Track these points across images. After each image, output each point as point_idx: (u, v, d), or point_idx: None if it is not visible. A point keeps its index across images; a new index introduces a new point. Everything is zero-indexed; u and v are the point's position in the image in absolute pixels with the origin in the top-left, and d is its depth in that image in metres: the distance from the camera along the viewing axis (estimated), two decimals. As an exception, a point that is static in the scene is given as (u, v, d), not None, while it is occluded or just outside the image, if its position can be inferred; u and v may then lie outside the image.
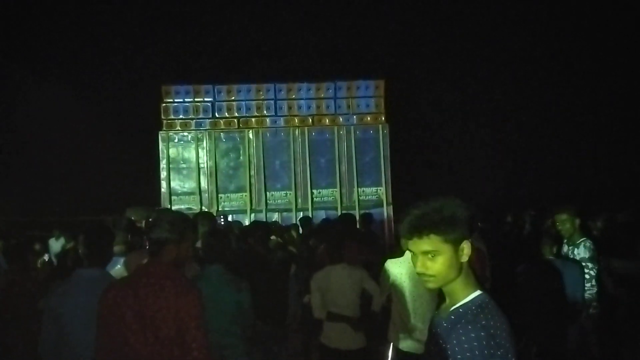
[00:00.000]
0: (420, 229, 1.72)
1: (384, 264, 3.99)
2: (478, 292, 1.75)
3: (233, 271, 3.54)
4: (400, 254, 4.06)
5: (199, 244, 4.17)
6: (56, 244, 9.83)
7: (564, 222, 4.70)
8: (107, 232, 3.32)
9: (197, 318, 2.38)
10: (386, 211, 11.73)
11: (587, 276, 4.47)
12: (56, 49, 14.18)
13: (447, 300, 1.83)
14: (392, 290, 3.90)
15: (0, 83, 14.17)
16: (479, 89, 13.44)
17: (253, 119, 12.02)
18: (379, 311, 4.21)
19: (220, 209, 11.80)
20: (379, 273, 4.17)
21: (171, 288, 2.38)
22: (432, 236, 1.71)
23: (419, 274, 1.79)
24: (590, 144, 13.92)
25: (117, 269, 3.85)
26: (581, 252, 4.62)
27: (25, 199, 14.48)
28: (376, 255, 5.28)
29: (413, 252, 1.78)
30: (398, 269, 3.85)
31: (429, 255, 1.73)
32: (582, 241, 4.70)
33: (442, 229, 1.71)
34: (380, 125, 12.05)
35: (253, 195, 11.92)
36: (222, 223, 7.85)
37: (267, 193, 11.93)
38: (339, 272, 4.15)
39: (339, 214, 11.69)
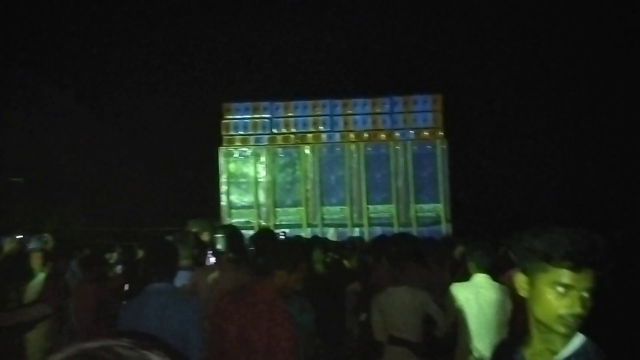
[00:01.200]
0: (592, 262, 1.42)
1: (449, 288, 3.86)
2: (582, 337, 1.49)
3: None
4: (466, 277, 3.91)
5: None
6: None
7: None
8: (171, 247, 3.41)
9: (287, 352, 2.39)
10: (445, 229, 11.41)
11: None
12: (121, 68, 15.00)
13: (543, 342, 1.52)
14: (459, 316, 3.76)
15: (66, 101, 15.07)
16: (540, 103, 12.93)
17: (310, 135, 12.14)
18: (443, 337, 4.07)
19: (277, 223, 11.95)
20: (442, 296, 4.04)
21: (269, 314, 2.41)
22: (594, 271, 1.44)
23: (575, 315, 1.43)
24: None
25: (185, 284, 3.93)
26: None
27: (90, 211, 15.20)
28: (438, 277, 5.13)
29: (568, 286, 1.43)
30: (465, 293, 3.71)
31: (588, 293, 1.43)
32: None
33: (606, 263, 1.44)
34: (438, 140, 11.81)
35: (309, 210, 11.98)
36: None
37: (323, 208, 11.97)
38: (401, 295, 4.04)
39: (395, 230, 11.54)
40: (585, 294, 1.43)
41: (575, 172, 12.45)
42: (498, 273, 4.05)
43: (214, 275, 3.78)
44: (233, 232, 4.41)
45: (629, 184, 12.41)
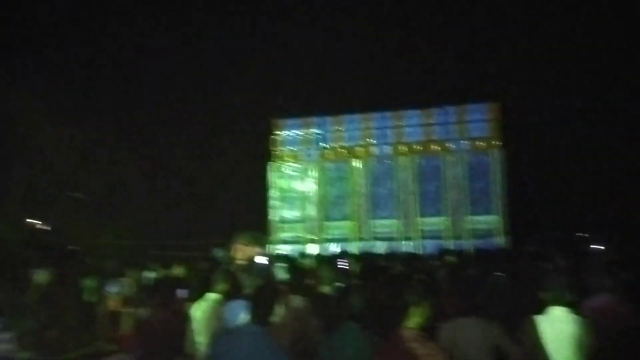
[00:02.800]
0: None
1: (526, 320, 3.64)
2: None
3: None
4: (540, 309, 3.68)
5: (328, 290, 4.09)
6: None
7: None
8: (274, 291, 3.32)
9: None
10: (501, 241, 10.98)
11: None
12: (172, 88, 15.38)
13: None
14: (534, 351, 3.54)
15: (114, 117, 15.53)
16: (600, 111, 12.26)
17: (360, 148, 12.05)
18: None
19: (326, 237, 11.92)
20: (514, 329, 3.81)
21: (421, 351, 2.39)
22: None
23: None
24: None
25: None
26: None
27: (141, 228, 15.44)
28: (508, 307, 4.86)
29: None
30: (541, 327, 3.50)
31: None
32: None
33: None
34: (493, 151, 11.43)
35: (359, 224, 11.88)
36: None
37: (374, 221, 11.83)
38: (471, 326, 3.84)
39: (445, 243, 11.19)
40: None
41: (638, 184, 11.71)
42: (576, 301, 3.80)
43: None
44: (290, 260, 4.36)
45: None
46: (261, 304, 3.06)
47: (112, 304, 4.65)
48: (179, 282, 5.80)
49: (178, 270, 6.50)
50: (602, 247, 9.44)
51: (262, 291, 3.25)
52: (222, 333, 3.21)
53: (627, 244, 8.21)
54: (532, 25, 12.84)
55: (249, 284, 4.06)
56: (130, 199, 15.69)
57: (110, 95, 15.35)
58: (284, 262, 4.49)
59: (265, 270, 4.12)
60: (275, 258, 7.08)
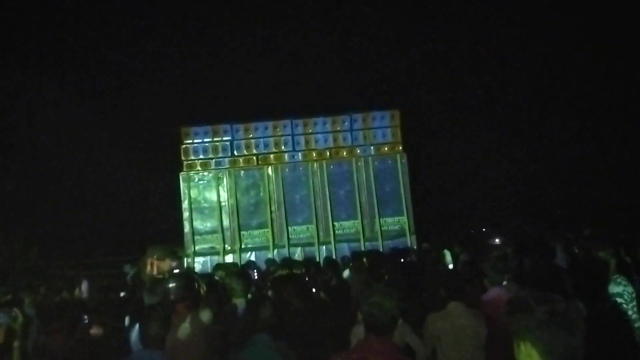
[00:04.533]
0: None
1: (426, 318, 3.90)
2: None
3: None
4: (442, 305, 3.96)
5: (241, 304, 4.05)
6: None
7: None
8: (166, 311, 3.19)
9: None
10: (410, 241, 11.58)
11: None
12: (76, 94, 14.48)
13: None
14: (437, 346, 3.80)
15: (23, 129, 14.46)
16: (494, 116, 13.44)
17: (272, 155, 12.09)
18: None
19: (243, 246, 11.82)
20: (417, 324, 4.05)
21: None
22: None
23: None
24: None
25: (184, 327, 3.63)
26: None
27: (45, 244, 14.51)
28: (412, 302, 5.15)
29: None
30: (442, 323, 3.77)
31: None
32: None
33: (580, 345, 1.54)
34: (398, 155, 12.03)
35: (275, 231, 11.91)
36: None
37: (289, 228, 11.92)
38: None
39: (362, 246, 11.63)
40: None
41: (534, 183, 12.96)
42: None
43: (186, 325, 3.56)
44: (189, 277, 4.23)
45: (582, 197, 13.02)
46: (150, 326, 2.95)
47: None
48: (84, 305, 5.46)
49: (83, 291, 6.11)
50: (499, 242, 10.29)
51: (151, 312, 3.13)
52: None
53: (525, 238, 8.97)
54: (430, 37, 13.71)
55: (147, 302, 3.87)
56: (28, 213, 14.48)
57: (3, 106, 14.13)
58: (195, 275, 4.39)
59: (163, 286, 3.92)
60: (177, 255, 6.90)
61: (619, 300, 4.10)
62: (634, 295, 4.22)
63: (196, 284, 4.01)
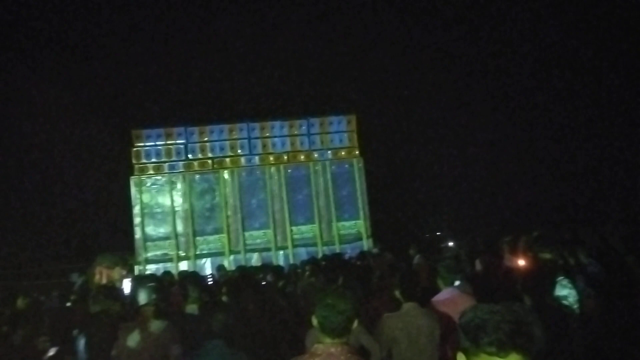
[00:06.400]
0: (516, 347, 1.45)
1: (381, 319, 3.89)
2: None
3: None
4: (397, 307, 3.97)
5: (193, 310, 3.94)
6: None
7: None
8: (109, 320, 3.04)
9: None
10: (366, 245, 11.66)
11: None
12: (25, 94, 13.78)
13: None
14: (392, 346, 3.80)
15: None
16: (450, 120, 13.81)
17: (227, 159, 11.90)
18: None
19: (197, 253, 11.54)
20: (370, 325, 4.04)
21: None
22: (519, 356, 1.46)
23: None
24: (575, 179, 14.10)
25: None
26: None
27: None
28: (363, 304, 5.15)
29: None
30: (396, 323, 3.77)
31: None
32: None
33: (530, 349, 1.47)
34: (354, 159, 12.12)
35: (231, 236, 11.70)
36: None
37: (246, 233, 11.74)
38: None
39: (320, 250, 11.61)
40: None
41: (489, 188, 13.36)
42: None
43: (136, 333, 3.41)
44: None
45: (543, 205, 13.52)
46: (94, 337, 2.82)
47: None
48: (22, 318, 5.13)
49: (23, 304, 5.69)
50: (452, 244, 10.50)
51: (94, 322, 2.99)
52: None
53: (478, 241, 9.17)
54: (386, 41, 13.91)
55: (91, 311, 3.69)
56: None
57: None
58: (147, 283, 4.21)
59: (108, 296, 3.75)
60: (139, 279, 6.65)
61: (565, 302, 4.25)
62: (577, 298, 4.38)
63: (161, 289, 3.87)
